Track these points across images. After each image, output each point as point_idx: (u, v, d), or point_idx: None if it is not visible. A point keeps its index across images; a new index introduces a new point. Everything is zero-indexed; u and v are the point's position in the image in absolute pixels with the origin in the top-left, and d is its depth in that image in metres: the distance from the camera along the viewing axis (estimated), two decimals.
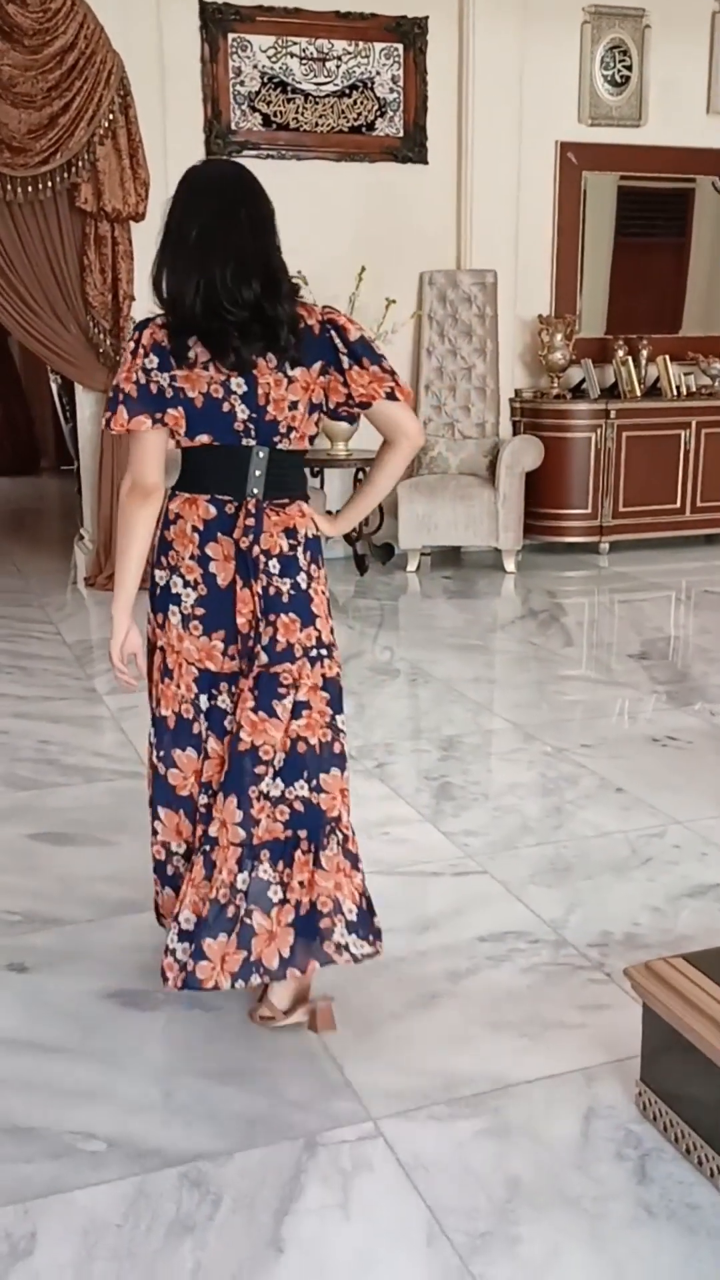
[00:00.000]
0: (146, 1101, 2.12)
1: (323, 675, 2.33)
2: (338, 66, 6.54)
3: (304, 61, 6.48)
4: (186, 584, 2.30)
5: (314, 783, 2.27)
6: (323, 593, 2.34)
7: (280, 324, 2.21)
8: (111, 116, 5.92)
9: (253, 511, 2.24)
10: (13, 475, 11.84)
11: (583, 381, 7.12)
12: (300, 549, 2.28)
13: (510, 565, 6.64)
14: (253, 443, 2.24)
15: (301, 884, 2.23)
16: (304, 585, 2.28)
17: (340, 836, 2.30)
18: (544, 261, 7.16)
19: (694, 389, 7.25)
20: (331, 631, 2.35)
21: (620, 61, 7.02)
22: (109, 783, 3.65)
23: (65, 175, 5.91)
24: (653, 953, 2.53)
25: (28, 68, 5.71)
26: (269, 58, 6.42)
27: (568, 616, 5.74)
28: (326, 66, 6.52)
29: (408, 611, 5.91)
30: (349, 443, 6.58)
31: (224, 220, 2.29)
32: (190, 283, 2.23)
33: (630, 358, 7.10)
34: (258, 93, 6.44)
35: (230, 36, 6.33)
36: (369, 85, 6.61)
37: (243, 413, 2.22)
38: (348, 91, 6.58)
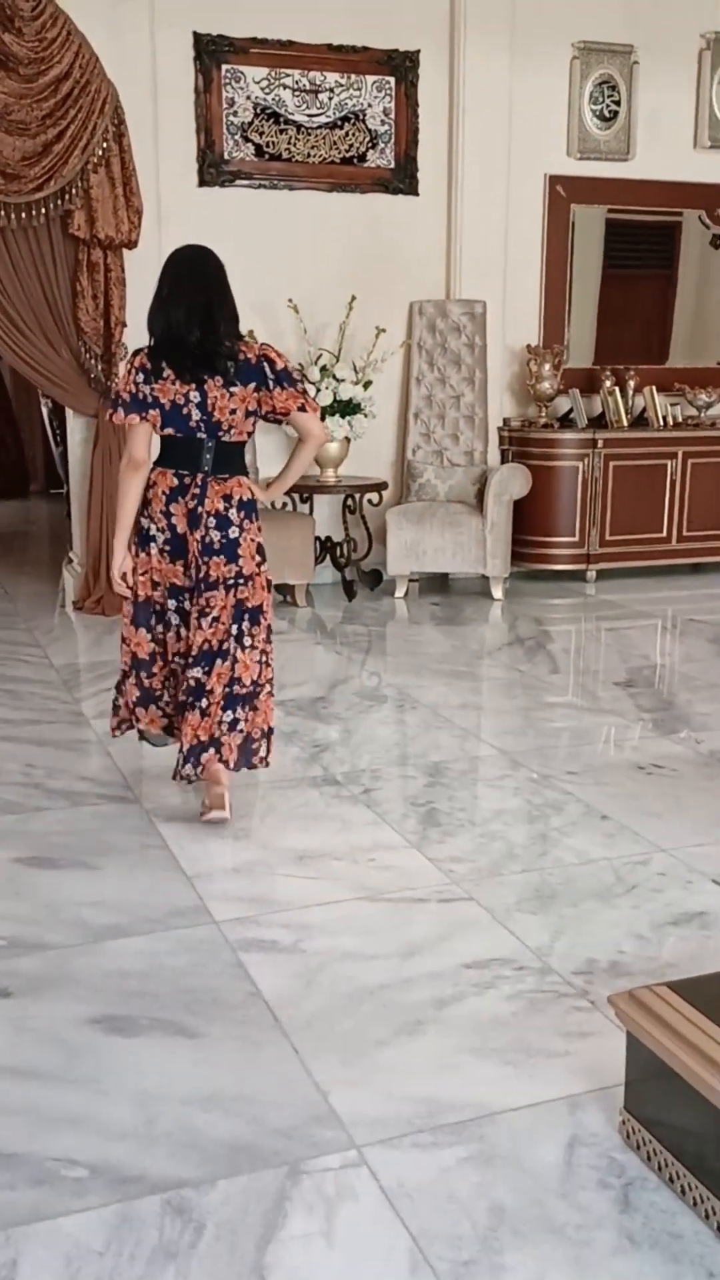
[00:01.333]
0: (129, 1128, 2.11)
1: (238, 599, 3.40)
2: (330, 98, 6.61)
3: (297, 93, 6.55)
4: (158, 529, 3.42)
5: (215, 666, 3.40)
6: (250, 539, 3.42)
7: (218, 357, 3.30)
8: (105, 145, 5.97)
9: (200, 483, 3.36)
10: (2, 498, 11.84)
11: (570, 411, 7.17)
12: (234, 509, 3.38)
13: (498, 592, 6.67)
14: (204, 436, 3.34)
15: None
16: (234, 535, 3.38)
17: (245, 702, 3.45)
18: (533, 292, 7.23)
19: (680, 419, 7.32)
20: (258, 566, 3.43)
21: (609, 96, 7.12)
22: (94, 807, 3.64)
23: (59, 202, 5.95)
24: (637, 980, 2.54)
25: (23, 95, 5.76)
26: (262, 89, 6.49)
27: (554, 644, 5.77)
28: (319, 98, 6.60)
29: (395, 637, 5.93)
30: (338, 469, 6.63)
31: (182, 285, 3.37)
32: (160, 324, 3.37)
33: (617, 388, 7.17)
34: (250, 123, 6.50)
35: (224, 67, 6.40)
36: (361, 117, 6.68)
37: (197, 415, 3.32)
38: (340, 123, 6.65)
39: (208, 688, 3.38)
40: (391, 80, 6.69)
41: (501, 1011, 2.49)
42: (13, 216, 5.88)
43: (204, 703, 3.38)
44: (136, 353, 3.41)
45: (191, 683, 3.38)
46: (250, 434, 3.42)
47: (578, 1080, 2.24)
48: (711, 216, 7.53)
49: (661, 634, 6.22)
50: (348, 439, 6.53)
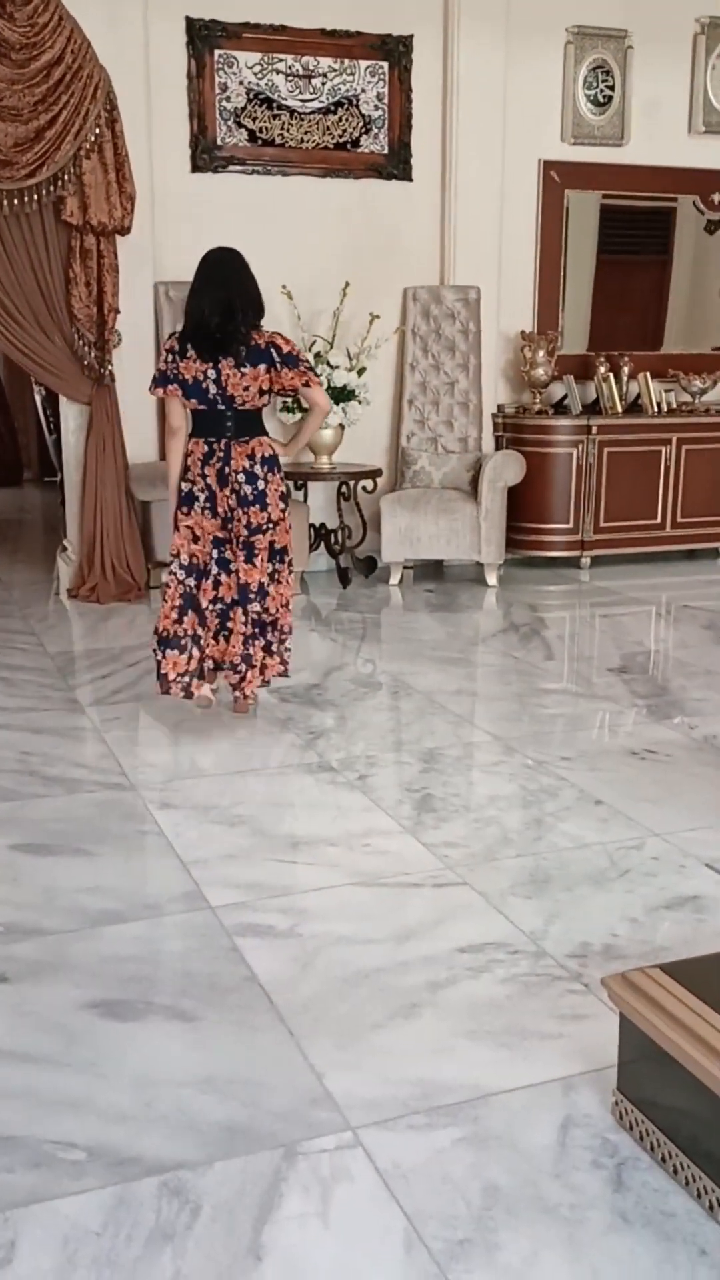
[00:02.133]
0: (127, 1111, 2.13)
1: (270, 541, 4.10)
2: (323, 83, 6.59)
3: (290, 78, 6.53)
4: (198, 490, 4.09)
5: (262, 600, 4.11)
6: (275, 489, 4.09)
7: (232, 341, 3.93)
8: (98, 131, 5.95)
9: (224, 447, 4.04)
10: None
11: (565, 397, 7.17)
12: (258, 465, 4.05)
13: (492, 579, 6.68)
14: (222, 407, 4.00)
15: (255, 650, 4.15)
16: (261, 487, 4.05)
17: (263, 623, 4.15)
18: (527, 278, 7.22)
19: (674, 406, 7.32)
20: (282, 512, 4.14)
21: (603, 81, 7.10)
22: (90, 794, 3.65)
23: (51, 188, 5.93)
24: (630, 964, 2.55)
25: (14, 81, 5.74)
26: (255, 74, 6.46)
27: (549, 630, 5.78)
28: (312, 83, 6.58)
29: (390, 624, 5.94)
30: (332, 456, 6.62)
31: (208, 281, 3.97)
32: (190, 312, 4.00)
33: (612, 374, 7.17)
34: (243, 109, 6.48)
35: (217, 53, 6.37)
36: (354, 102, 6.66)
37: (213, 389, 3.98)
38: (333, 108, 6.63)
39: (260, 620, 4.13)
40: (385, 65, 6.67)
41: (496, 995, 2.50)
42: (5, 203, 5.87)
43: (251, 631, 4.12)
44: (170, 336, 4.10)
45: (244, 616, 4.11)
46: (264, 404, 4.08)
47: (571, 1062, 2.26)
48: (706, 202, 7.53)
49: (656, 620, 6.23)
50: (342, 426, 6.52)
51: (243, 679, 4.16)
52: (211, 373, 3.94)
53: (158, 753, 4.17)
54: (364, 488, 6.73)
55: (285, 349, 3.98)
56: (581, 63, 7.02)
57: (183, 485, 4.11)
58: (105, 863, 3.17)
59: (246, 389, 3.95)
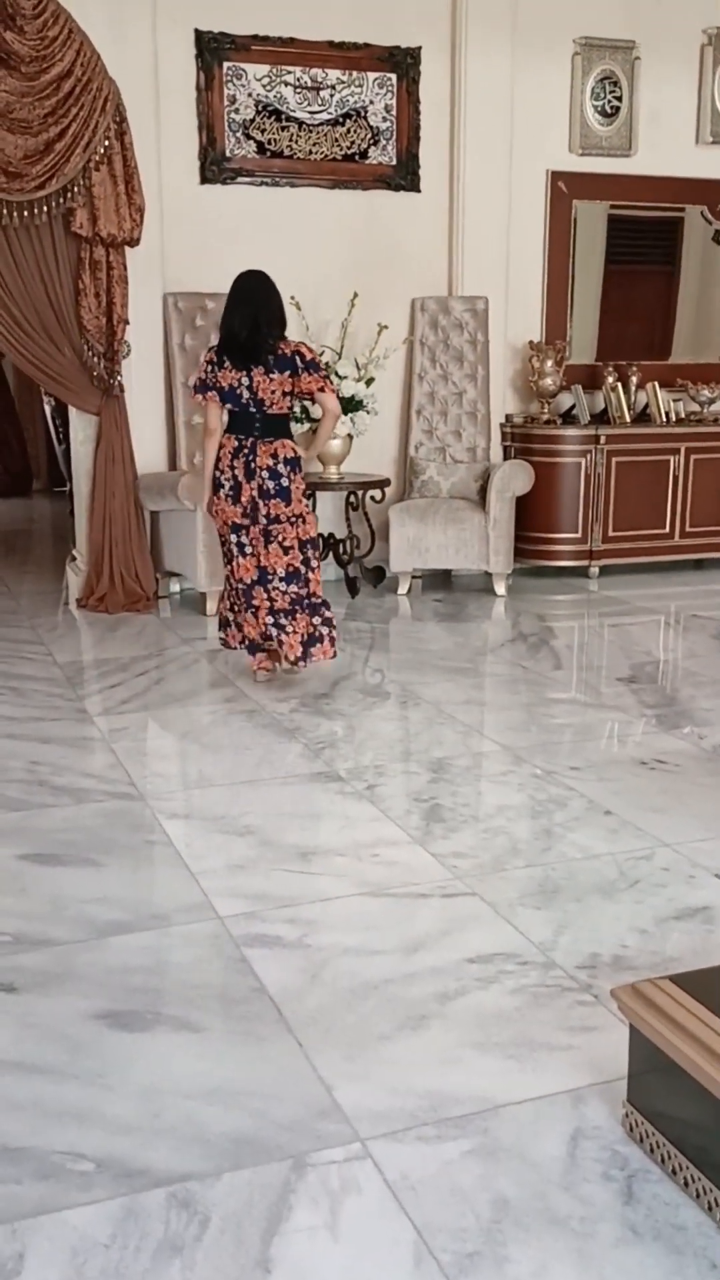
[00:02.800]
0: (135, 1122, 2.12)
1: (296, 535, 4.66)
2: (331, 95, 6.61)
3: (298, 90, 6.56)
4: (225, 479, 4.65)
5: (297, 583, 4.69)
6: (297, 486, 4.64)
7: (261, 352, 4.52)
8: (107, 143, 5.98)
9: (250, 445, 4.60)
10: (5, 497, 11.86)
11: (573, 407, 7.17)
12: (281, 464, 4.60)
13: (500, 589, 6.67)
14: (253, 410, 4.58)
15: (295, 625, 4.71)
16: (285, 483, 4.61)
17: (309, 605, 4.71)
18: (535, 288, 7.23)
19: (683, 415, 7.32)
20: (305, 506, 4.70)
21: (610, 92, 7.11)
22: (99, 804, 3.65)
23: (61, 200, 5.96)
24: (640, 975, 2.54)
25: (24, 94, 5.77)
26: (264, 86, 6.49)
27: (557, 640, 5.77)
28: (320, 95, 6.60)
29: (398, 634, 5.93)
30: (340, 466, 6.63)
31: (238, 301, 4.58)
32: (224, 329, 4.63)
33: (620, 384, 7.17)
34: (252, 120, 6.51)
35: (225, 65, 6.40)
36: (362, 114, 6.69)
37: (246, 394, 4.56)
38: (341, 120, 6.65)
39: (310, 603, 4.70)
40: (393, 77, 6.69)
41: (505, 1006, 2.49)
42: (15, 215, 5.90)
43: (285, 605, 4.67)
44: (209, 349, 4.69)
45: (288, 598, 4.68)
46: (290, 408, 4.68)
47: (581, 1074, 2.25)
48: (714, 212, 7.53)
49: (664, 630, 6.22)
50: (350, 436, 6.53)
51: (280, 645, 4.72)
52: (245, 379, 4.53)
53: (166, 763, 4.17)
54: (372, 497, 6.73)
55: (308, 357, 4.56)
56: (589, 73, 7.04)
57: (217, 475, 4.67)
58: (113, 873, 3.17)
59: (274, 393, 4.54)
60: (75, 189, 5.96)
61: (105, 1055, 2.33)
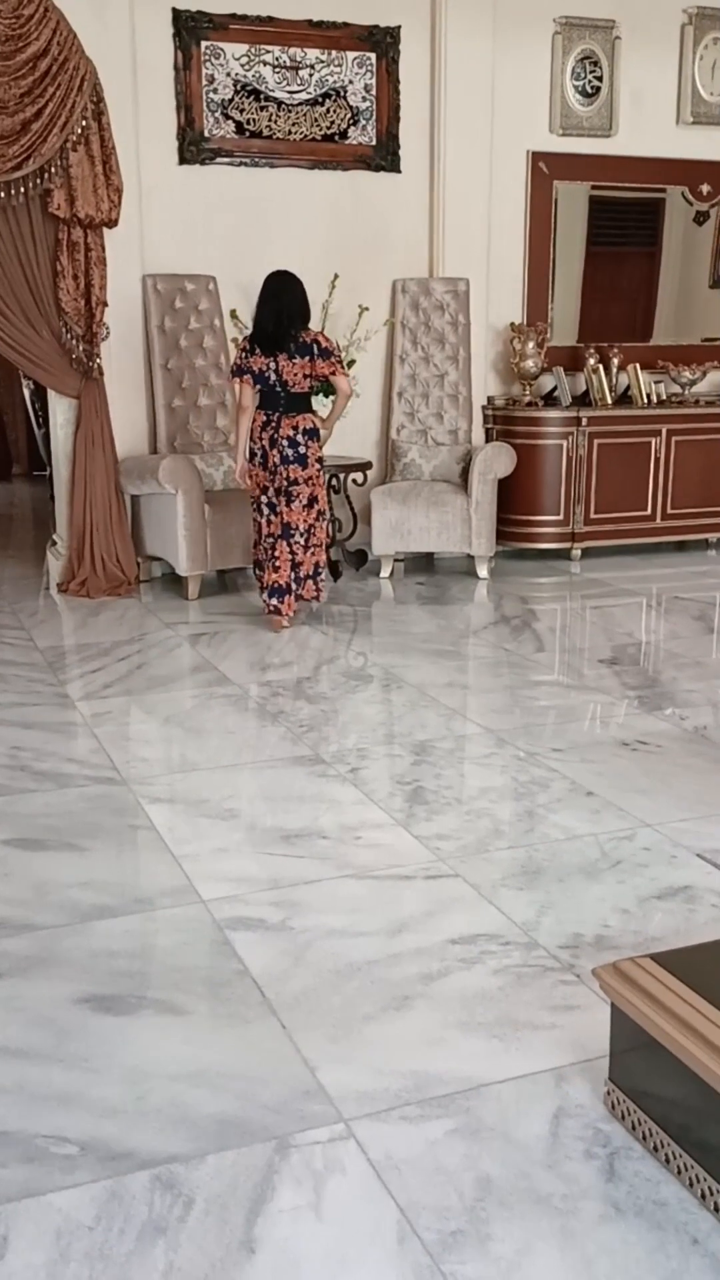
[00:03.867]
0: (119, 1105, 2.12)
1: (310, 493, 5.47)
2: (311, 75, 6.57)
3: (277, 70, 6.51)
4: (257, 449, 5.47)
5: (308, 536, 5.52)
6: (313, 453, 5.45)
7: (286, 340, 5.31)
8: (85, 123, 5.92)
9: (276, 420, 5.40)
10: None
11: (554, 389, 7.17)
12: (300, 434, 5.41)
13: (483, 571, 6.67)
14: (279, 390, 5.35)
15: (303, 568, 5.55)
16: (302, 450, 5.41)
17: (314, 551, 5.56)
18: (516, 270, 7.21)
19: (664, 397, 7.33)
20: (317, 471, 5.50)
21: (591, 72, 7.09)
22: (81, 788, 3.65)
23: (38, 181, 5.90)
24: (622, 954, 2.56)
25: (0, 74, 5.71)
26: (242, 66, 6.44)
27: (540, 622, 5.78)
28: (299, 75, 6.56)
29: (381, 617, 5.93)
30: (322, 449, 6.60)
31: (266, 297, 5.39)
32: (254, 321, 5.48)
33: (601, 366, 7.16)
34: (231, 100, 6.46)
35: (203, 44, 6.35)
36: (342, 94, 6.64)
37: (274, 377, 5.32)
38: (320, 100, 6.61)
39: (305, 548, 5.52)
40: (373, 56, 6.65)
41: (488, 986, 2.50)
42: None
43: (300, 558, 5.51)
44: (243, 338, 5.56)
45: (287, 548, 5.48)
46: (311, 388, 5.43)
47: (563, 1053, 2.26)
48: (694, 193, 7.52)
49: (646, 612, 6.24)
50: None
51: (301, 589, 5.57)
52: (272, 364, 5.31)
53: (149, 747, 4.17)
54: (354, 480, 6.72)
55: (323, 345, 5.34)
56: (569, 53, 7.01)
57: (252, 445, 5.46)
58: (97, 857, 3.17)
59: (296, 375, 5.31)
60: (52, 170, 5.90)
61: (90, 1039, 2.33)
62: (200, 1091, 2.16)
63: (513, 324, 7.10)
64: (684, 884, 2.98)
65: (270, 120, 6.54)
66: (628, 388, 7.25)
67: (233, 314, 6.56)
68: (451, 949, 2.65)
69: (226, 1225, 1.84)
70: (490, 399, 7.19)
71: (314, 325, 6.57)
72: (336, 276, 6.54)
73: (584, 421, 6.94)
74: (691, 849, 3.18)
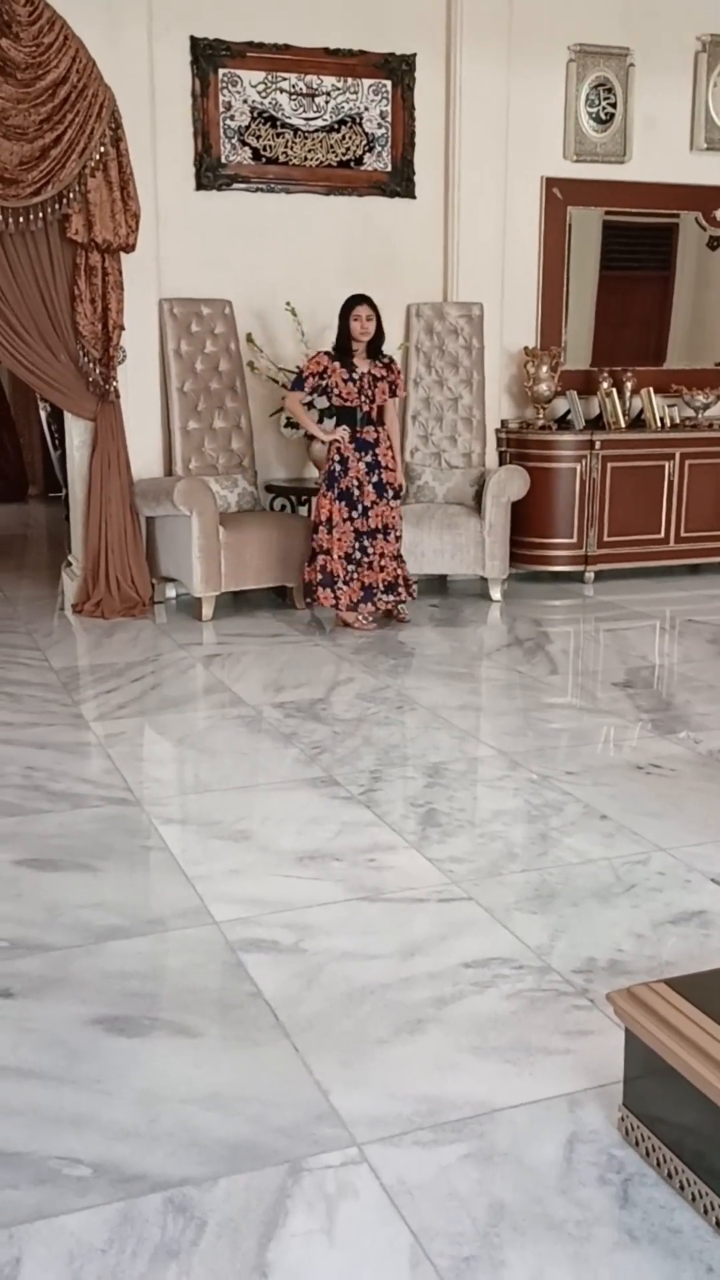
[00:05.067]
0: (131, 1127, 2.12)
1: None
2: (327, 102, 6.63)
3: (293, 97, 6.57)
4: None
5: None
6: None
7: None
8: (103, 149, 5.99)
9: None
10: (1, 502, 11.86)
11: (568, 413, 7.19)
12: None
13: (496, 594, 6.68)
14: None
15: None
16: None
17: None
18: (530, 294, 7.25)
19: (678, 421, 7.33)
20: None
21: (605, 99, 7.14)
22: (95, 809, 3.65)
23: (56, 206, 5.97)
24: (636, 979, 2.55)
25: (20, 100, 5.78)
26: (259, 93, 6.51)
27: (553, 645, 5.78)
28: (315, 102, 6.62)
29: (394, 639, 5.94)
30: None
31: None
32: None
33: (615, 390, 7.18)
34: (248, 127, 6.52)
35: (221, 71, 6.42)
36: (357, 120, 6.70)
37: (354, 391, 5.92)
38: (336, 126, 6.67)
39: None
40: (388, 83, 6.72)
41: (501, 1010, 2.50)
42: (10, 221, 5.90)
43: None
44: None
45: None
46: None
47: (577, 1078, 2.25)
48: (708, 218, 7.56)
49: (660, 635, 6.23)
50: (312, 439, 6.53)
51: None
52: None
53: (162, 768, 4.18)
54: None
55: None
56: (583, 80, 7.07)
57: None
58: (109, 878, 3.17)
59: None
60: (71, 195, 5.97)
61: (102, 1060, 2.33)
62: (212, 1114, 2.16)
63: (526, 348, 7.13)
64: (698, 909, 2.97)
65: (286, 147, 6.60)
66: (641, 411, 7.27)
67: (249, 338, 6.60)
68: (465, 972, 2.65)
69: (239, 1249, 1.83)
70: (504, 422, 7.21)
71: (322, 347, 6.64)
72: (373, 299, 6.57)
73: (597, 445, 6.95)
74: (706, 873, 3.16)
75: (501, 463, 7.05)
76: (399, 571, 6.04)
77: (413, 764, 4.07)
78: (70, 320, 6.18)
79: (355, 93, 6.67)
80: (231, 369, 6.59)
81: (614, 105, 7.15)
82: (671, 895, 3.04)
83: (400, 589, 6.04)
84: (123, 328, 6.23)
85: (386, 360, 5.96)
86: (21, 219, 5.92)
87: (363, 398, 5.85)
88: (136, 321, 6.33)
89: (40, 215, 5.95)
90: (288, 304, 6.54)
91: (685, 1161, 1.92)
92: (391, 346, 6.80)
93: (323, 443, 6.08)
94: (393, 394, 5.93)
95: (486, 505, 6.54)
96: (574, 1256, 1.81)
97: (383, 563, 5.97)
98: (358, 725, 4.48)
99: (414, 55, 6.72)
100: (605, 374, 7.23)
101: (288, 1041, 2.38)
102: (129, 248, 6.14)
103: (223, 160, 6.52)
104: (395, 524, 6.02)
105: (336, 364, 5.84)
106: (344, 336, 5.86)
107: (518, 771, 3.97)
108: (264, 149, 6.57)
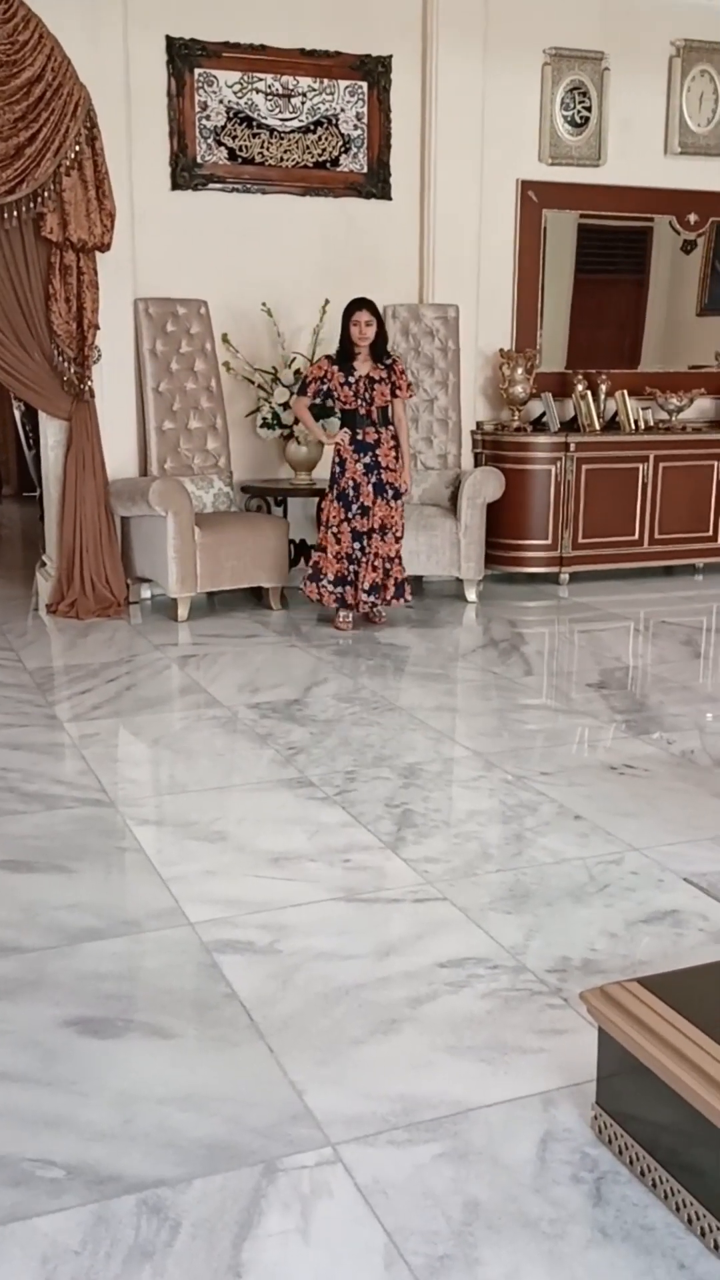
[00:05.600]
0: (106, 1128, 2.12)
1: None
2: (303, 103, 6.63)
3: (269, 97, 6.57)
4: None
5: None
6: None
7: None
8: (78, 148, 5.97)
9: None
10: None
11: (543, 415, 7.22)
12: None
13: (471, 595, 6.70)
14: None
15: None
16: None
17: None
18: (505, 297, 7.27)
19: (652, 424, 7.38)
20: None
21: (580, 102, 7.17)
22: (70, 810, 3.64)
23: (31, 205, 5.94)
24: (610, 978, 2.56)
25: None
26: (235, 93, 6.50)
27: (528, 646, 5.80)
28: (292, 102, 6.62)
29: (370, 640, 5.94)
30: (312, 472, 6.64)
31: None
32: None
33: (590, 392, 7.22)
34: (223, 127, 6.52)
35: (197, 71, 6.41)
36: (333, 121, 6.71)
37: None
38: (312, 127, 6.67)
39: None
40: (364, 85, 6.72)
41: (476, 1009, 2.51)
42: None
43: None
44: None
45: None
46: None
47: (551, 1076, 2.27)
48: (682, 222, 7.61)
49: (634, 636, 6.26)
50: (321, 442, 6.54)
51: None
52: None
53: (137, 769, 4.17)
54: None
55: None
56: (559, 83, 7.10)
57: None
58: (84, 879, 3.16)
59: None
60: (46, 194, 5.95)
61: (77, 1062, 2.32)
62: (188, 1115, 2.16)
63: (502, 350, 7.16)
64: (671, 908, 2.99)
65: (262, 147, 6.60)
66: (615, 414, 7.31)
67: (224, 338, 6.60)
68: (439, 972, 2.66)
69: (214, 1249, 1.83)
70: (479, 424, 7.24)
71: (304, 350, 6.66)
72: (327, 302, 6.58)
73: (572, 447, 6.99)
74: (679, 873, 3.19)
75: (477, 464, 7.07)
76: (392, 573, 6.03)
77: (388, 765, 4.08)
78: (45, 319, 6.15)
79: (331, 94, 6.68)
80: (207, 369, 6.59)
81: (589, 109, 7.18)
82: (645, 895, 3.06)
83: (386, 591, 6.03)
84: (98, 327, 6.22)
85: (389, 362, 5.96)
86: None
87: (360, 401, 5.86)
88: (112, 321, 6.31)
89: (15, 214, 5.93)
90: (263, 304, 6.54)
91: (658, 1160, 1.94)
92: None
93: (325, 445, 6.24)
94: (394, 394, 5.93)
95: (462, 506, 6.56)
96: (548, 1254, 1.83)
97: (376, 562, 5.97)
98: (334, 726, 4.49)
99: (390, 57, 6.73)
100: (580, 376, 7.27)
101: (263, 1042, 2.39)
102: (104, 247, 6.13)
103: (198, 160, 6.51)
104: (395, 524, 6.02)
105: (336, 368, 5.86)
106: (346, 341, 5.87)
107: (493, 772, 3.98)
108: (240, 149, 6.56)
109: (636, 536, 7.25)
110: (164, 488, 6.05)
